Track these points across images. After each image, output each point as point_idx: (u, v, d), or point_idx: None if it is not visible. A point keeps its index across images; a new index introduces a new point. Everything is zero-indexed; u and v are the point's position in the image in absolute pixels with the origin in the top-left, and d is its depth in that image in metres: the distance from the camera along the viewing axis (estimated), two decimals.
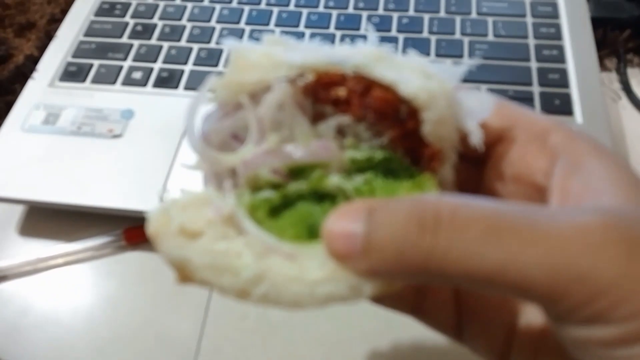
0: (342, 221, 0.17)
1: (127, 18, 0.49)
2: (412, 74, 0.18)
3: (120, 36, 0.48)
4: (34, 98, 0.44)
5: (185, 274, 0.18)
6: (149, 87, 0.44)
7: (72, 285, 0.39)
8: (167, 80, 0.44)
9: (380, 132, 0.18)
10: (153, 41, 0.47)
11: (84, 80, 0.45)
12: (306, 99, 0.19)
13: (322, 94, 0.18)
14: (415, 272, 0.16)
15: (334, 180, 0.18)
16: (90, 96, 0.44)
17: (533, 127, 0.20)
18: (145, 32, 0.48)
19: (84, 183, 0.39)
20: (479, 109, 0.19)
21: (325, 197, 0.19)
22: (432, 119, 0.18)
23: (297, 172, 0.19)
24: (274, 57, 0.19)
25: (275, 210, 0.19)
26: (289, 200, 0.19)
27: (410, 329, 0.33)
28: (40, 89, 0.45)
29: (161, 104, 0.43)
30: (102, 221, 0.40)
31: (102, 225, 0.41)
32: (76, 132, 0.42)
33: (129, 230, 0.40)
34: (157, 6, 0.49)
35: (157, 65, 0.45)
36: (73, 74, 0.45)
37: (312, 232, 0.18)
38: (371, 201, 0.17)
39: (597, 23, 0.47)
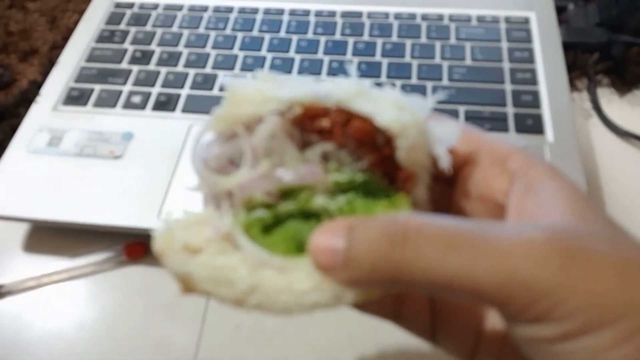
0: (325, 237, 0.19)
1: (126, 45, 0.52)
2: (386, 107, 0.20)
3: (120, 62, 0.50)
4: (38, 121, 0.46)
5: (188, 286, 0.21)
6: (148, 110, 0.47)
7: (75, 300, 0.41)
8: (165, 104, 0.47)
9: (360, 158, 0.21)
10: (151, 67, 0.50)
11: (85, 104, 0.47)
12: (294, 129, 0.21)
13: (308, 125, 0.21)
14: (387, 281, 0.18)
15: (319, 201, 0.21)
16: (92, 119, 0.46)
17: (495, 152, 0.22)
18: (144, 58, 0.50)
19: (86, 202, 0.41)
20: (447, 136, 0.21)
21: (312, 216, 0.21)
22: (405, 146, 0.20)
23: (287, 193, 0.21)
24: (266, 92, 0.21)
25: (268, 228, 0.21)
26: (280, 219, 0.21)
27: (393, 335, 0.36)
28: (44, 113, 0.47)
29: (159, 127, 0.46)
30: (103, 237, 0.43)
31: (103, 241, 0.43)
32: (79, 153, 0.44)
33: (129, 246, 0.42)
34: (154, 33, 0.52)
35: (156, 90, 0.48)
36: (75, 98, 0.48)
37: (300, 248, 0.20)
38: (351, 219, 0.19)
39: (568, 47, 0.50)
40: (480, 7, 0.53)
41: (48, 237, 0.44)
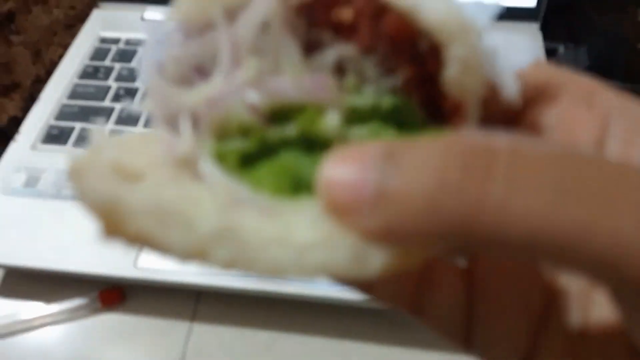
0: (347, 165, 0.12)
1: (110, 81, 0.51)
2: (436, 1, 0.14)
3: (103, 99, 0.49)
4: (16, 161, 0.45)
5: (113, 222, 0.13)
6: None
7: (49, 347, 0.40)
8: None
9: (391, 71, 0.14)
10: (134, 105, 0.49)
11: (65, 142, 0.46)
12: (299, 20, 0.14)
13: (320, 15, 0.14)
14: (453, 232, 0.11)
15: (332, 121, 0.14)
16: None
17: (576, 87, 0.16)
18: (127, 95, 0.50)
19: (62, 248, 0.40)
20: (517, 56, 0.15)
21: (318, 147, 0.14)
22: (460, 60, 0.14)
23: (280, 114, 0.14)
24: None
25: (250, 160, 0.14)
26: (269, 149, 0.14)
27: None
28: (22, 152, 0.46)
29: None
30: (80, 283, 0.41)
31: (79, 287, 0.41)
32: (56, 195, 0.43)
33: (104, 292, 0.41)
34: (139, 70, 0.51)
35: (138, 129, 0.47)
36: (55, 137, 0.47)
37: (298, 188, 0.14)
38: (389, 142, 0.12)
39: None
40: None
41: (22, 281, 0.43)
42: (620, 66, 0.50)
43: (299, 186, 0.14)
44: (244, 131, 0.14)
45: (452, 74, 0.14)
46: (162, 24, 0.15)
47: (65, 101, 0.49)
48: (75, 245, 0.40)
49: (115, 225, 0.13)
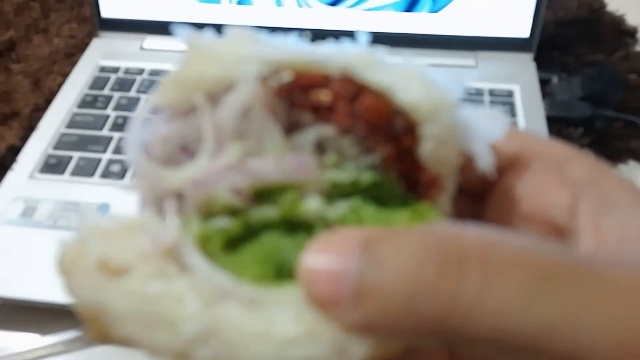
0: (326, 255, 0.13)
1: (109, 110, 0.51)
2: (409, 81, 0.15)
3: (101, 128, 0.50)
4: (13, 190, 0.45)
5: (99, 328, 0.14)
6: (127, 180, 0.46)
7: None
8: None
9: (369, 149, 0.15)
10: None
11: (63, 172, 0.47)
12: (280, 103, 0.15)
13: (299, 98, 0.15)
14: (429, 329, 0.12)
15: (312, 205, 0.14)
16: (68, 189, 0.45)
17: (549, 156, 0.17)
18: (125, 124, 0.50)
19: (57, 279, 0.40)
20: (489, 128, 0.16)
21: (300, 228, 0.15)
22: (434, 136, 0.15)
23: (263, 194, 0.15)
24: (241, 50, 0.15)
25: (233, 243, 0.15)
26: (252, 231, 0.15)
27: None
28: (19, 181, 0.46)
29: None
30: (74, 315, 0.41)
31: (74, 318, 0.41)
32: (52, 225, 0.43)
33: None
34: (138, 99, 0.52)
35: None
36: (53, 166, 0.47)
37: (281, 272, 0.14)
38: (366, 230, 0.13)
39: (553, 122, 0.50)
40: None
41: (17, 313, 0.42)
42: (613, 97, 0.51)
43: (281, 271, 0.14)
44: (228, 211, 0.15)
45: (428, 149, 0.15)
46: (148, 105, 0.16)
47: (64, 130, 0.50)
48: None
49: (102, 331, 0.14)
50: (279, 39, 0.16)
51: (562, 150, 0.17)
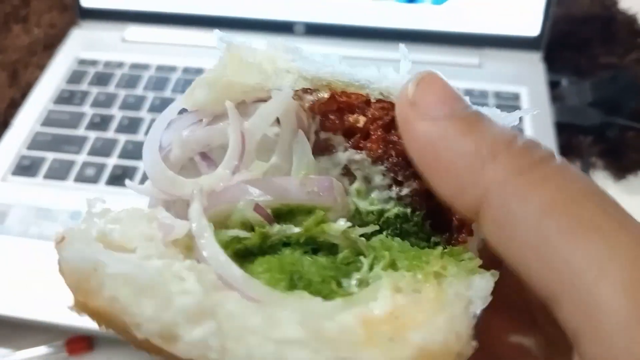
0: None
1: (85, 107, 0.48)
2: None
3: (77, 127, 0.47)
4: None
5: (86, 289, 0.13)
6: (101, 184, 0.43)
7: None
8: (120, 178, 0.43)
9: (399, 182, 0.14)
10: (110, 133, 0.46)
11: (36, 174, 0.44)
12: (312, 120, 0.14)
13: (333, 118, 0.15)
14: None
15: (340, 227, 0.14)
16: (41, 193, 0.43)
17: None
18: (102, 123, 0.47)
19: (27, 293, 0.38)
20: None
21: (322, 249, 0.14)
22: None
23: (284, 213, 0.14)
24: (280, 62, 0.14)
25: (248, 254, 0.14)
26: (271, 245, 0.14)
27: None
28: None
29: (112, 205, 0.42)
30: (45, 330, 0.39)
31: (45, 333, 0.39)
32: (23, 233, 0.41)
33: (71, 341, 0.39)
34: (116, 95, 0.49)
35: (112, 161, 0.44)
36: (26, 168, 0.44)
37: (294, 285, 0.14)
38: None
39: (562, 128, 0.47)
40: (468, 79, 0.49)
41: None
42: (627, 104, 0.47)
43: (295, 284, 0.14)
44: (246, 226, 0.14)
45: None
46: (174, 107, 0.15)
47: (39, 128, 0.47)
48: (41, 292, 0.38)
49: (86, 297, 0.13)
50: (319, 55, 0.15)
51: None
